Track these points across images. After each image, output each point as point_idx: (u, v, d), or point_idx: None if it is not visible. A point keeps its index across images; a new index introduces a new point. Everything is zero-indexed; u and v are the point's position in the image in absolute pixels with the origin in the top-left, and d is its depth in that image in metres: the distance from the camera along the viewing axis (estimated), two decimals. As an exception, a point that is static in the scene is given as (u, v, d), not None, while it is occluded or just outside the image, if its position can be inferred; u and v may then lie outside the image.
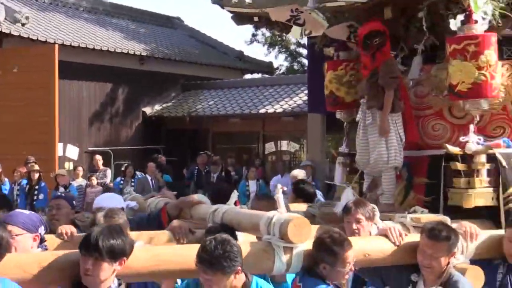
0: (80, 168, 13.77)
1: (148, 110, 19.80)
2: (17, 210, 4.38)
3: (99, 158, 14.60)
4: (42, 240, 3.78)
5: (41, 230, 3.80)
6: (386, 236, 4.07)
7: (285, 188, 5.29)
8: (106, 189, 11.26)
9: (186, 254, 3.42)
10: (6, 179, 12.55)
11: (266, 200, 4.98)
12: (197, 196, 5.47)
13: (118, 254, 3.17)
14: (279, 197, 3.96)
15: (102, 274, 3.12)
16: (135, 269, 3.32)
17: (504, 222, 4.78)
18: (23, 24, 15.42)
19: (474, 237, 4.18)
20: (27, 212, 4.09)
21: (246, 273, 3.46)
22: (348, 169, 6.47)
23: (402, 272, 4.14)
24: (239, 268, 3.32)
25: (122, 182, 13.07)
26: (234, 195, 4.86)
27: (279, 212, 3.82)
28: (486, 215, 4.99)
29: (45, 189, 11.70)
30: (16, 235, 3.53)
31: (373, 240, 4.07)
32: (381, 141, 5.35)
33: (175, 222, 4.47)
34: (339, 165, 6.69)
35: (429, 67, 5.77)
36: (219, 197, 5.07)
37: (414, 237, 4.14)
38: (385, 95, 5.32)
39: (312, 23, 6.40)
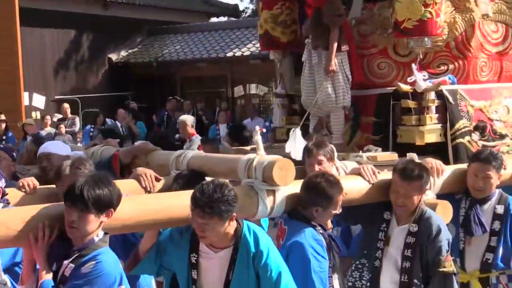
0: (48, 117, 13.55)
1: (114, 56, 19.31)
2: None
3: (67, 106, 14.27)
4: (3, 194, 3.59)
5: (2, 183, 3.62)
6: (360, 175, 4.05)
7: (263, 130, 5.24)
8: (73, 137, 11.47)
9: (173, 203, 3.33)
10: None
11: (209, 144, 4.94)
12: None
13: (105, 205, 2.98)
14: (258, 139, 3.81)
15: (88, 226, 2.94)
16: (121, 221, 3.14)
17: (452, 157, 5.02)
18: None
19: (440, 172, 4.22)
20: None
21: (237, 219, 3.33)
22: (287, 110, 6.55)
23: (375, 210, 4.16)
24: (234, 214, 3.21)
25: (92, 130, 12.93)
26: (197, 140, 4.77)
27: (258, 154, 3.69)
28: (432, 151, 5.03)
29: (12, 139, 11.55)
30: None
31: (349, 179, 4.01)
32: (328, 81, 5.35)
33: (140, 169, 4.17)
34: (277, 107, 6.76)
35: (371, 5, 5.81)
36: (160, 144, 5.01)
37: (386, 175, 4.15)
38: (331, 34, 5.30)
39: None
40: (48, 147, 4.92)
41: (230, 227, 3.23)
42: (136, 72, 18.91)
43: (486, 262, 4.34)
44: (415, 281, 4.00)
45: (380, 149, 5.11)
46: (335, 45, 5.33)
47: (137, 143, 5.35)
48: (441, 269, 3.91)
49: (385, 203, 4.09)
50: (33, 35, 16.09)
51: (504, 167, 4.40)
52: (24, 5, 14.36)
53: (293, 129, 5.35)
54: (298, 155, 4.81)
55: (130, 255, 3.51)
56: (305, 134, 5.50)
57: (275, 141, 6.30)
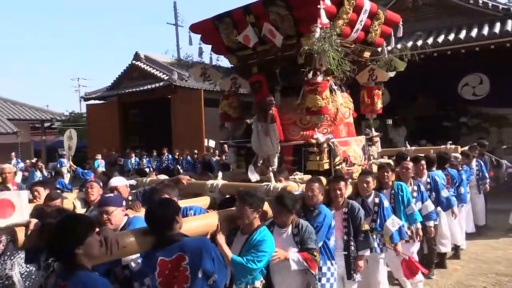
0: (217, 151, 16.83)
1: (248, 121, 20.73)
2: (108, 194, 4.27)
3: (225, 146, 16.22)
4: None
5: (124, 203, 3.84)
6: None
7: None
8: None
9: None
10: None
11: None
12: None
13: (255, 205, 3.70)
14: (219, 175, 5.06)
15: (245, 218, 3.69)
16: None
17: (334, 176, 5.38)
18: (186, 80, 20.52)
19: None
20: (113, 194, 4.15)
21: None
22: (236, 153, 7.22)
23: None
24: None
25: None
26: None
27: (217, 180, 4.94)
28: (324, 174, 5.75)
29: (199, 161, 15.90)
30: (112, 212, 3.57)
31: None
32: (267, 139, 5.94)
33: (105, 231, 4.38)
34: (231, 151, 7.44)
35: (285, 98, 6.61)
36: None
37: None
38: (268, 114, 5.95)
39: (213, 75, 7.34)
40: (113, 181, 5.06)
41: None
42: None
43: (372, 228, 5.14)
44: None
45: (302, 173, 5.75)
46: (269, 120, 5.92)
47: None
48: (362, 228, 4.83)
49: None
50: (210, 111, 18.75)
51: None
52: (205, 96, 19.11)
53: (250, 165, 5.97)
54: (253, 179, 5.66)
55: None
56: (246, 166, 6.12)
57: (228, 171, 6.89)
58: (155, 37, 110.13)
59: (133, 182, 5.69)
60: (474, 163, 8.74)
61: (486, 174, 9.00)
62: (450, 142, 9.26)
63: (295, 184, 5.13)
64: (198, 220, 3.62)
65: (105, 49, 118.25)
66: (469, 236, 8.27)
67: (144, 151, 19.44)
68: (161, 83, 20.79)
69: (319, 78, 5.98)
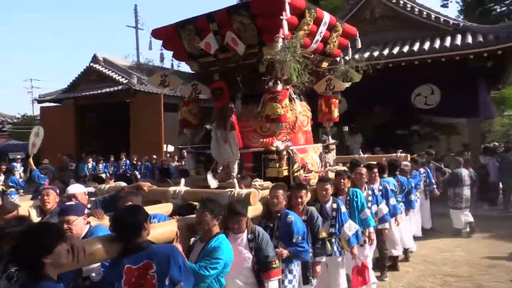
0: (176, 157, 16.67)
1: (208, 127, 20.57)
2: (68, 203, 3.92)
3: (184, 151, 16.09)
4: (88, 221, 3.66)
5: (86, 211, 3.71)
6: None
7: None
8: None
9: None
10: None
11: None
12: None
13: (215, 211, 3.66)
14: (182, 181, 5.10)
15: (205, 224, 3.63)
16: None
17: (292, 182, 5.64)
18: (146, 85, 19.76)
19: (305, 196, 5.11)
20: (73, 203, 3.92)
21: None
22: (195, 160, 7.12)
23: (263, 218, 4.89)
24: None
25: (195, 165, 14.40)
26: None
27: (179, 187, 4.91)
28: (283, 180, 5.70)
29: (157, 167, 15.39)
30: (73, 221, 3.42)
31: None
32: (226, 146, 5.79)
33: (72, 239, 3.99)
34: (190, 157, 7.31)
35: (246, 106, 6.56)
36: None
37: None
38: (227, 122, 5.79)
39: (173, 82, 7.15)
40: (71, 189, 4.85)
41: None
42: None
43: (330, 232, 5.30)
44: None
45: (262, 180, 5.70)
46: (229, 127, 5.78)
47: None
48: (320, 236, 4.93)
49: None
50: (169, 116, 19.04)
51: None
52: (165, 101, 18.97)
53: (208, 173, 5.81)
54: (213, 185, 5.53)
55: None
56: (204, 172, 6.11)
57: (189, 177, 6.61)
58: (114, 40, 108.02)
59: (91, 189, 5.55)
60: (422, 170, 9.09)
61: (433, 180, 9.39)
62: (401, 150, 9.59)
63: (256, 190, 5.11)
64: (164, 226, 3.57)
65: (60, 50, 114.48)
66: (418, 239, 8.56)
67: (101, 156, 18.88)
68: (120, 87, 20.32)
69: (279, 87, 6.04)
